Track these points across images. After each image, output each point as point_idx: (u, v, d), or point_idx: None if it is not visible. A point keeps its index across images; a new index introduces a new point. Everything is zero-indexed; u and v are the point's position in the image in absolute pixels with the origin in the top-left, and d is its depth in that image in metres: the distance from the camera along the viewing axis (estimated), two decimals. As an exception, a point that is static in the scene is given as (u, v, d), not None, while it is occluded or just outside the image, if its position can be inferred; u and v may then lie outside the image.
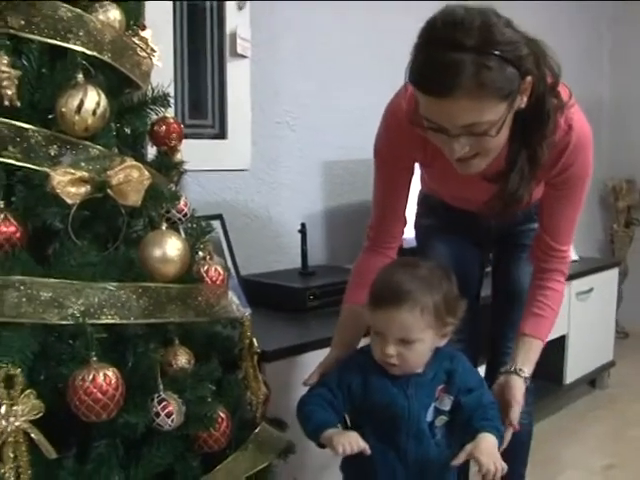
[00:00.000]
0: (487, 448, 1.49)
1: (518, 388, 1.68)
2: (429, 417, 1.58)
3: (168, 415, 1.36)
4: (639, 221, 5.03)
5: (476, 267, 2.13)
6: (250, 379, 1.64)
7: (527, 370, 1.73)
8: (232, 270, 2.56)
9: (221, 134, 2.39)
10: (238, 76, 2.42)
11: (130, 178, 1.39)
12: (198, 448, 1.49)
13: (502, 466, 1.47)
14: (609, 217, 5.10)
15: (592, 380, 3.92)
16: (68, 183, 1.33)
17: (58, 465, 1.32)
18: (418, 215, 2.18)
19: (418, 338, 1.51)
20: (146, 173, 1.41)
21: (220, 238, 2.54)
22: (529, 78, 1.44)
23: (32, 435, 1.24)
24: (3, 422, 1.21)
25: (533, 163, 1.58)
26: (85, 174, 1.36)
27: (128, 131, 1.64)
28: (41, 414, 1.25)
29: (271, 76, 2.98)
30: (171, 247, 1.42)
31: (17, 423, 1.22)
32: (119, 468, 1.37)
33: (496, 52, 1.35)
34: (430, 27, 1.40)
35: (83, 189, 1.35)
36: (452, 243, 2.02)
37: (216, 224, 2.54)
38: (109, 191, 1.38)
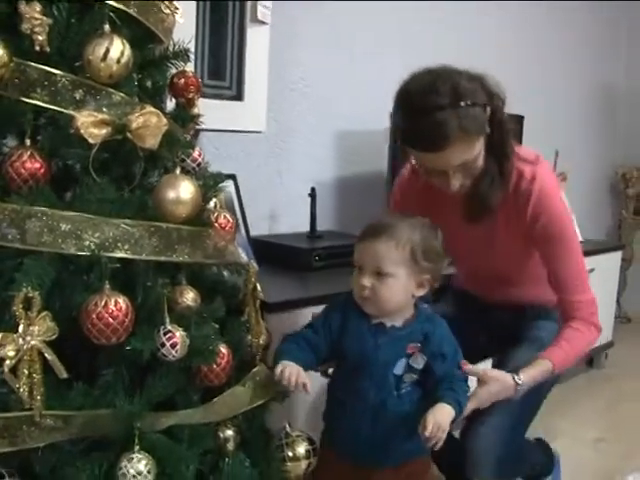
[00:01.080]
0: (440, 416, 1.56)
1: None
2: (398, 370, 1.66)
3: (173, 346, 1.45)
4: (648, 209, 5.09)
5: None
6: (252, 322, 1.72)
7: (523, 377, 1.79)
8: (242, 229, 2.64)
9: (238, 96, 2.47)
10: (257, 42, 2.50)
11: (149, 123, 1.48)
12: (199, 382, 1.58)
13: (443, 436, 1.55)
14: (618, 204, 5.15)
15: (590, 359, 4.00)
16: (91, 124, 1.42)
17: (68, 386, 1.42)
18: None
19: (391, 272, 1.61)
20: (164, 119, 1.50)
21: (232, 197, 2.62)
22: (488, 109, 1.71)
23: (46, 355, 1.33)
24: (20, 340, 1.30)
25: (501, 173, 1.83)
26: (107, 117, 1.45)
27: (149, 84, 1.71)
28: (55, 336, 1.33)
29: (289, 44, 3.05)
30: (184, 190, 1.51)
31: (33, 342, 1.31)
32: (124, 395, 1.45)
33: (467, 103, 1.63)
34: (407, 96, 1.70)
35: (104, 131, 1.44)
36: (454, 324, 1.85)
37: (229, 184, 2.63)
38: (128, 134, 1.46)
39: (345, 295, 1.74)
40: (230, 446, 1.66)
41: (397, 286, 1.63)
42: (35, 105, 1.45)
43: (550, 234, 1.87)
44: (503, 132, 1.79)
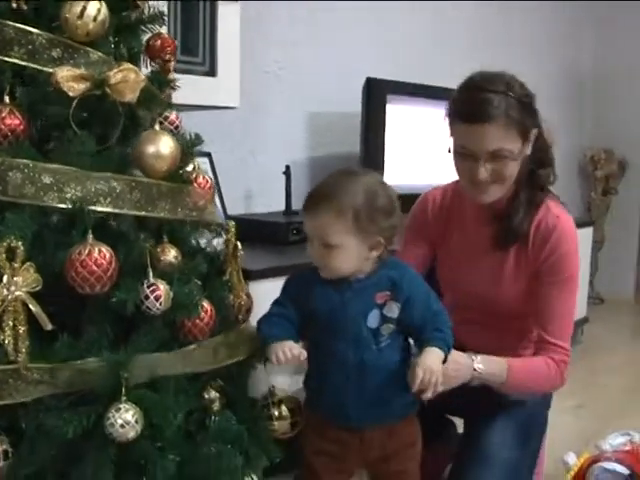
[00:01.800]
0: (429, 361, 1.55)
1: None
2: (373, 323, 1.61)
3: (157, 298, 1.46)
4: (616, 190, 5.16)
5: None
6: (234, 282, 1.73)
7: (482, 364, 1.76)
8: (219, 207, 2.64)
9: (211, 72, 2.48)
10: (228, 19, 2.50)
11: (127, 78, 1.49)
12: (183, 337, 1.59)
13: (438, 380, 1.53)
14: (587, 186, 5.23)
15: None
16: (70, 78, 1.44)
17: (53, 339, 1.42)
18: None
19: (337, 243, 1.55)
20: (142, 75, 1.53)
21: (209, 175, 2.61)
22: (535, 130, 1.81)
23: (30, 306, 1.34)
24: (4, 291, 1.31)
25: (530, 204, 1.88)
26: (85, 72, 1.46)
27: (124, 50, 1.72)
28: (39, 287, 1.35)
29: (261, 25, 3.08)
30: (164, 145, 1.52)
31: (17, 293, 1.32)
32: (109, 348, 1.46)
33: (519, 99, 1.75)
34: (469, 80, 1.81)
35: (83, 85, 1.46)
36: None
37: (204, 161, 2.64)
38: (107, 89, 1.47)
39: (310, 269, 1.68)
40: (215, 406, 1.67)
41: (347, 255, 1.57)
42: (13, 63, 1.47)
43: (557, 271, 1.87)
44: (545, 162, 1.90)
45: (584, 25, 5.23)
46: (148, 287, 1.46)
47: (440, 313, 1.66)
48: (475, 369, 1.73)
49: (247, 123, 3.10)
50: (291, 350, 1.59)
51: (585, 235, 3.99)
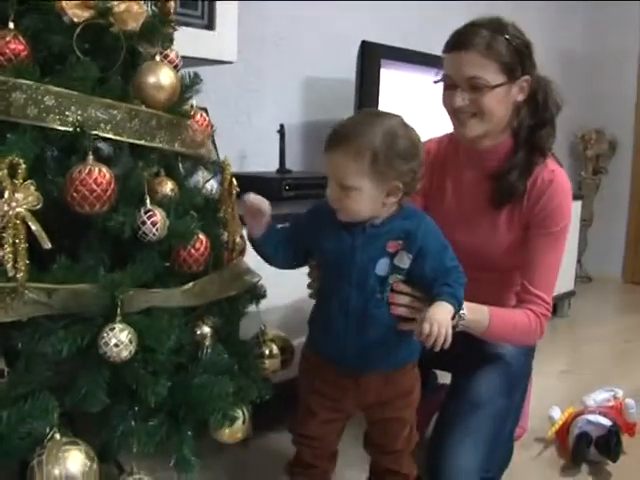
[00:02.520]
0: (438, 314, 1.50)
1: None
2: (382, 271, 1.60)
3: (153, 224, 1.49)
4: (606, 170, 5.20)
5: None
6: (228, 219, 1.76)
7: (466, 310, 1.76)
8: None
9: (209, 25, 2.49)
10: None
11: (130, 9, 1.52)
12: (178, 267, 1.62)
13: (448, 332, 1.49)
14: (578, 166, 5.26)
15: (553, 306, 4.08)
16: (75, 5, 1.46)
17: (51, 259, 1.45)
18: None
19: (353, 185, 1.52)
20: (144, 7, 1.54)
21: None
22: (527, 77, 1.87)
23: (30, 224, 1.36)
24: (5, 206, 1.33)
25: (528, 165, 1.93)
26: (90, 1, 1.48)
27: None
28: (39, 206, 1.37)
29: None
30: (164, 75, 1.56)
31: (18, 209, 1.34)
32: (105, 276, 1.49)
33: (506, 36, 1.82)
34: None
35: (87, 13, 1.48)
36: None
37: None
38: (111, 18, 1.50)
39: (326, 205, 1.63)
40: (207, 341, 1.70)
41: (363, 198, 1.53)
42: (18, -10, 1.49)
43: (549, 224, 1.91)
44: (545, 121, 1.95)
45: (575, 7, 5.25)
46: (145, 213, 1.49)
47: (454, 270, 1.61)
48: (459, 315, 1.74)
49: (243, 85, 3.13)
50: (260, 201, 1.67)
51: (574, 208, 4.02)
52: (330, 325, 1.67)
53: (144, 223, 1.48)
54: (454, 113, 1.89)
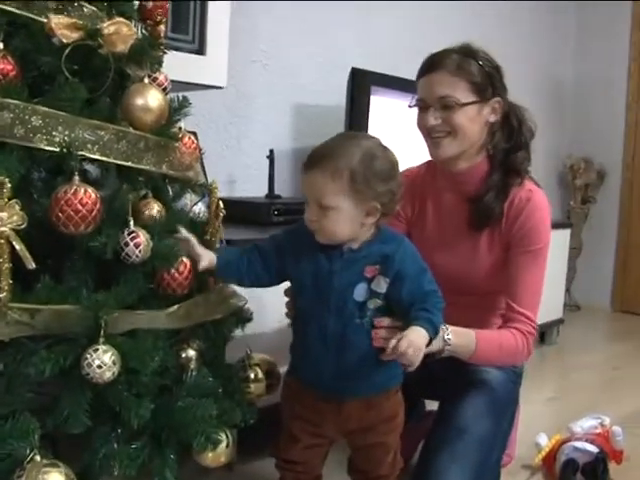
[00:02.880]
0: (410, 335, 1.50)
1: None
2: (360, 297, 1.59)
3: (136, 245, 1.48)
4: (595, 199, 5.22)
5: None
6: (215, 241, 1.76)
7: (452, 335, 1.76)
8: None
9: (200, 50, 2.51)
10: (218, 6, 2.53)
11: (119, 31, 1.53)
12: (162, 290, 1.62)
13: (418, 356, 1.50)
14: (567, 195, 5.28)
15: (542, 334, 4.11)
16: (64, 26, 1.47)
17: (35, 279, 1.44)
18: None
19: (331, 205, 1.52)
20: (134, 29, 1.55)
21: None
22: (498, 99, 1.92)
23: (14, 244, 1.35)
24: (-11, 225, 1.33)
25: (504, 187, 1.96)
26: (79, 22, 1.49)
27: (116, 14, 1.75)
28: (24, 225, 1.36)
29: (249, 15, 3.14)
30: (152, 97, 1.56)
31: (2, 228, 1.33)
32: (89, 297, 1.48)
33: (479, 61, 1.89)
34: None
35: (76, 34, 1.49)
36: None
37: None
38: (99, 40, 1.50)
39: (304, 229, 1.63)
40: (192, 364, 1.69)
41: (342, 218, 1.53)
42: (8, 11, 1.49)
43: (529, 242, 1.93)
44: (520, 145, 1.98)
45: (564, 37, 5.31)
46: (128, 234, 1.49)
47: (432, 294, 1.61)
48: (445, 340, 1.74)
49: (233, 110, 3.14)
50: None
51: (562, 237, 4.05)
52: (309, 350, 1.66)
53: (127, 244, 1.48)
54: (428, 134, 1.94)
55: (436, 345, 1.71)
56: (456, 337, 1.77)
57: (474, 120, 1.90)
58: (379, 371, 1.67)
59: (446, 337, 1.75)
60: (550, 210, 2.00)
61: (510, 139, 1.98)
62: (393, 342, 1.50)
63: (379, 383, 1.70)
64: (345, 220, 1.55)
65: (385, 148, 1.60)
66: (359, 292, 1.59)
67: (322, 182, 1.53)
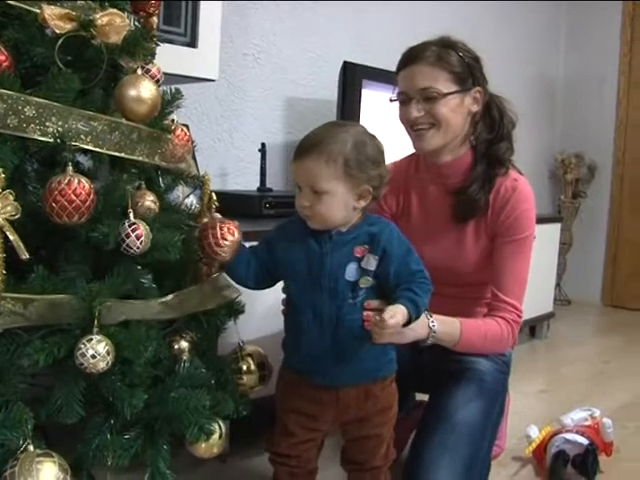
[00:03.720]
0: (393, 310, 1.53)
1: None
2: (351, 276, 1.62)
3: (137, 237, 1.48)
4: (585, 193, 5.24)
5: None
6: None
7: (437, 323, 1.79)
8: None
9: (192, 43, 2.51)
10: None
11: (113, 22, 1.53)
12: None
13: (389, 330, 1.52)
14: (557, 189, 5.30)
15: (532, 328, 4.12)
16: (57, 16, 1.46)
17: (29, 269, 1.44)
18: None
19: (326, 189, 1.56)
20: (127, 20, 1.55)
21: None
22: (479, 88, 1.95)
23: (8, 234, 1.35)
24: (-19, 215, 1.32)
25: (490, 178, 1.98)
26: (73, 12, 1.49)
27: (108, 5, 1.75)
28: (18, 215, 1.36)
29: (241, 10, 3.13)
30: (145, 89, 1.56)
31: (-5, 219, 1.34)
32: (83, 287, 1.48)
33: (458, 52, 1.91)
34: None
35: (70, 25, 1.48)
36: None
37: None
38: (93, 30, 1.50)
39: (295, 218, 1.69)
40: (185, 355, 1.69)
41: (336, 202, 1.58)
42: (1, 1, 1.49)
43: (514, 231, 1.96)
44: (502, 135, 2.01)
45: (555, 33, 5.34)
46: (129, 226, 1.48)
47: (419, 273, 1.65)
48: (430, 327, 1.77)
49: (225, 103, 3.14)
50: None
51: (553, 231, 4.06)
52: (305, 337, 1.67)
53: (128, 236, 1.47)
54: (411, 127, 1.96)
55: (419, 331, 1.75)
56: (441, 325, 1.80)
57: (457, 110, 1.92)
58: (374, 355, 1.69)
59: (431, 325, 1.78)
60: (534, 198, 2.02)
61: (492, 130, 2.01)
62: (377, 318, 1.54)
63: (374, 368, 1.72)
64: (339, 204, 1.59)
65: (372, 135, 1.65)
66: (350, 272, 1.62)
67: (317, 168, 1.56)
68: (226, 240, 1.64)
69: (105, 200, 1.51)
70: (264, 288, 1.80)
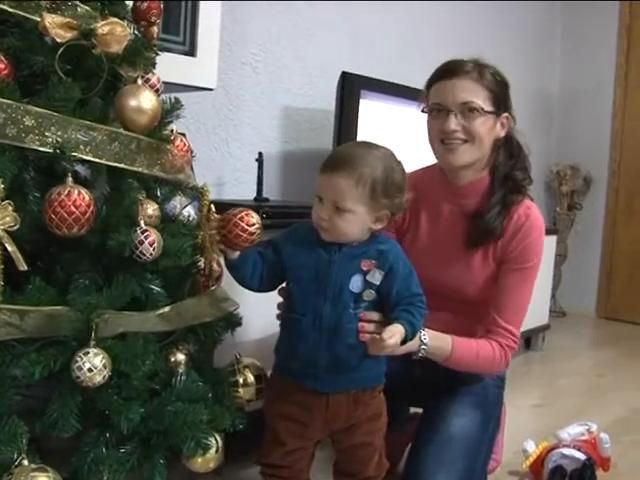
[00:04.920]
0: (392, 330, 1.57)
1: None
2: (356, 288, 1.65)
3: (151, 244, 1.49)
4: (581, 205, 5.24)
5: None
6: (206, 245, 1.74)
7: (428, 337, 1.82)
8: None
9: (191, 52, 2.49)
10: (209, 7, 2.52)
11: (114, 31, 1.52)
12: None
13: (387, 349, 1.57)
14: (553, 201, 5.30)
15: (527, 340, 4.11)
16: (58, 25, 1.45)
17: (25, 280, 1.43)
18: None
19: (349, 208, 1.59)
20: (128, 30, 1.54)
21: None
22: (507, 114, 1.95)
23: (6, 245, 1.34)
24: (-19, 227, 1.31)
25: (507, 204, 1.96)
26: (73, 21, 1.48)
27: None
28: (17, 227, 1.35)
29: (239, 18, 3.12)
30: (145, 99, 1.55)
31: (-6, 230, 1.32)
32: (80, 299, 1.46)
33: (492, 73, 1.92)
34: None
35: (70, 34, 1.47)
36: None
37: (180, 141, 2.64)
38: (94, 40, 1.49)
39: (304, 226, 1.72)
40: (181, 368, 1.68)
41: (355, 221, 1.61)
42: (1, 9, 1.48)
43: (522, 260, 1.95)
44: (520, 164, 2.01)
45: (550, 44, 5.35)
46: (142, 233, 1.48)
47: (418, 297, 1.68)
48: (421, 340, 1.79)
49: (222, 112, 3.13)
50: None
51: (549, 243, 4.03)
52: (302, 341, 1.67)
53: (142, 243, 1.48)
54: (443, 140, 1.93)
55: (413, 345, 1.76)
56: (433, 340, 1.83)
57: (490, 131, 1.92)
58: (368, 365, 1.70)
59: (422, 338, 1.80)
60: (544, 227, 2.01)
61: (512, 157, 2.01)
62: (377, 337, 1.57)
63: (367, 378, 1.73)
64: (357, 223, 1.62)
65: (398, 160, 1.68)
66: (355, 283, 1.65)
67: (346, 186, 1.58)
68: (252, 226, 1.63)
69: (115, 208, 1.52)
70: (266, 290, 1.79)
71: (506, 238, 1.96)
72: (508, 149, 2.01)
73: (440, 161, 2.00)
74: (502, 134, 1.96)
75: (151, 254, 1.48)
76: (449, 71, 1.91)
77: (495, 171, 1.99)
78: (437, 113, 1.92)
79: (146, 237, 1.47)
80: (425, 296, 1.71)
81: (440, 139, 1.93)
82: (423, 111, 1.98)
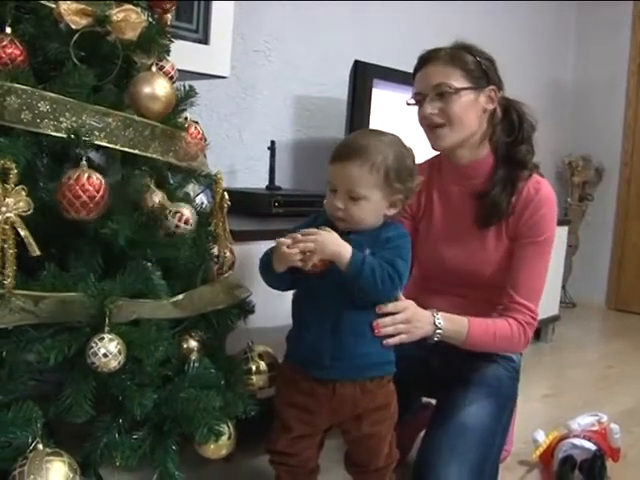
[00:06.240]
0: (328, 238, 1.58)
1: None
2: None
3: (186, 222, 1.60)
4: (592, 196, 5.22)
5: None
6: (219, 232, 1.75)
7: (443, 320, 1.82)
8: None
9: (204, 40, 2.49)
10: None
11: (128, 18, 1.52)
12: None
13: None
14: (564, 192, 5.28)
15: (537, 331, 4.10)
16: (73, 12, 1.45)
17: (40, 266, 1.43)
18: None
19: (364, 195, 1.60)
20: (143, 17, 1.54)
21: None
22: (493, 87, 1.93)
23: (20, 230, 1.35)
24: (-5, 211, 1.31)
25: (512, 181, 1.96)
26: (88, 8, 1.48)
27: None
28: (30, 211, 1.35)
29: (252, 7, 3.11)
30: (159, 86, 1.55)
31: (8, 214, 1.33)
32: (95, 280, 1.47)
33: (472, 53, 1.92)
34: None
35: (85, 20, 1.47)
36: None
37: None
38: (108, 27, 1.49)
39: (319, 216, 1.73)
40: (194, 355, 1.68)
41: (370, 208, 1.62)
42: (17, -4, 1.48)
43: (535, 233, 1.94)
44: (521, 138, 1.98)
45: (564, 35, 5.32)
46: (174, 215, 1.58)
47: (394, 267, 1.63)
48: (436, 324, 1.80)
49: (234, 100, 3.13)
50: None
51: (560, 234, 4.03)
52: (309, 328, 1.68)
53: (178, 227, 1.59)
54: (427, 126, 1.95)
55: (425, 328, 1.78)
56: (448, 323, 1.82)
57: (470, 108, 1.91)
58: (373, 353, 1.69)
59: (437, 322, 1.80)
60: (556, 201, 2.00)
61: (511, 133, 1.99)
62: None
63: (372, 366, 1.71)
64: (372, 210, 1.64)
65: (408, 147, 1.70)
66: None
67: (359, 174, 1.59)
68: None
69: (120, 194, 1.53)
70: (286, 290, 1.77)
71: (517, 214, 1.96)
72: (507, 125, 2.00)
73: (431, 147, 2.01)
74: (490, 107, 1.95)
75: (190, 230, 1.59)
76: (424, 60, 1.95)
77: (497, 148, 1.99)
78: (418, 102, 1.96)
79: (179, 218, 1.57)
80: (443, 284, 1.71)
81: (425, 125, 1.96)
82: (408, 104, 2.00)
